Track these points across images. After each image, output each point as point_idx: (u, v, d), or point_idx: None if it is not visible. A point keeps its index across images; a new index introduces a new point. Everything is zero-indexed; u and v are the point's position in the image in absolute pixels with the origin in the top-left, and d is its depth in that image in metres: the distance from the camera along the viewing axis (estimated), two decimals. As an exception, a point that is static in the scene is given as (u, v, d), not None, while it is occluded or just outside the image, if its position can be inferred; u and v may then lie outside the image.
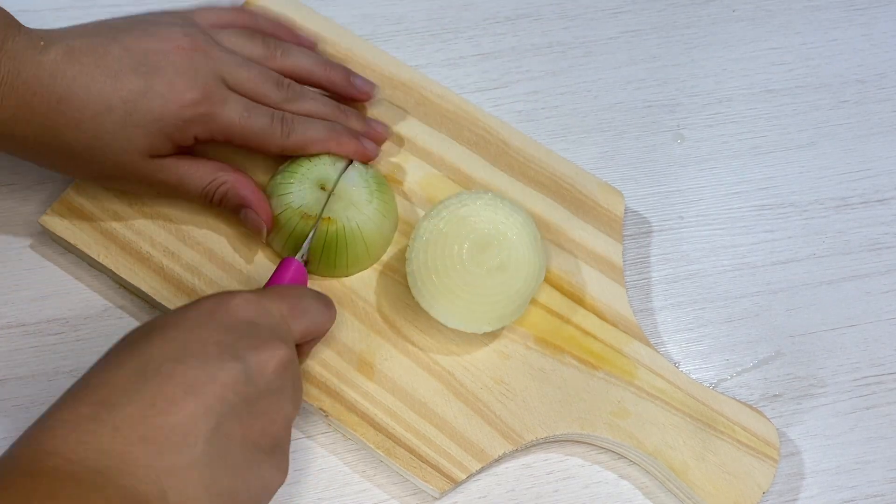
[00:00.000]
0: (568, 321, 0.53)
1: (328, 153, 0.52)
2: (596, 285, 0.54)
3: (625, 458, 0.52)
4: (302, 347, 0.46)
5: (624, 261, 0.56)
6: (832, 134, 0.64)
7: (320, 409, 0.49)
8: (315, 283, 0.52)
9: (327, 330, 0.47)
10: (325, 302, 0.46)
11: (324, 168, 0.52)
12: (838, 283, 0.58)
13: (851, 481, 0.53)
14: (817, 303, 0.58)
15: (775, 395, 0.55)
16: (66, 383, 0.50)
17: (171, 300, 0.51)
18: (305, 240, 0.51)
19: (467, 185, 0.56)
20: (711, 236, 0.59)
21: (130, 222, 0.53)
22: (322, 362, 0.50)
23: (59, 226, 0.52)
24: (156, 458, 0.36)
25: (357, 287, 0.53)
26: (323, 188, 0.52)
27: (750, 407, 0.52)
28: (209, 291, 0.51)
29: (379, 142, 0.56)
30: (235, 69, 0.50)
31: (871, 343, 0.57)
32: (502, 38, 0.65)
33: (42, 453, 0.35)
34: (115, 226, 0.53)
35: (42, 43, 0.46)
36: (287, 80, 0.53)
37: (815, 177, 0.62)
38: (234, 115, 0.49)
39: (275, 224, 0.52)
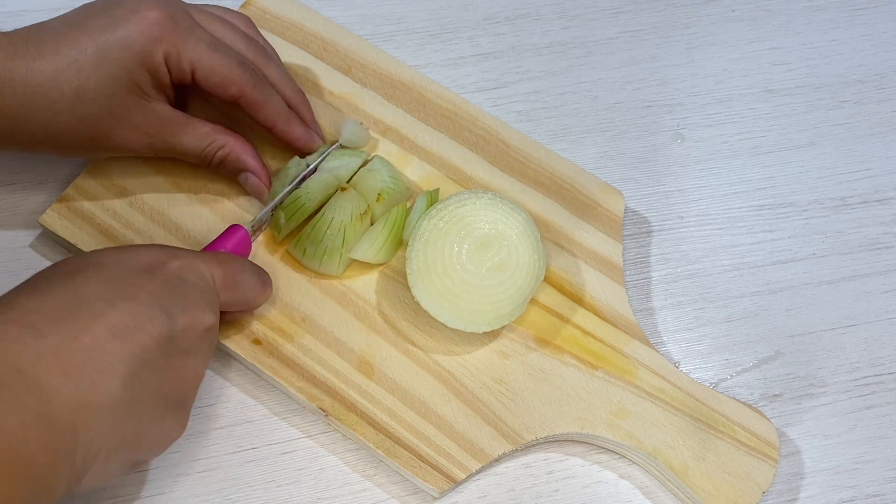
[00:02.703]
0: (568, 321, 0.53)
1: (274, 132, 0.53)
2: (596, 285, 0.54)
3: (624, 457, 0.52)
4: (225, 315, 0.48)
5: (624, 261, 0.56)
6: (832, 134, 0.64)
7: (320, 408, 0.49)
8: (314, 283, 0.52)
9: (259, 305, 0.49)
10: (262, 279, 0.48)
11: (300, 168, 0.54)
12: (838, 282, 0.58)
13: (851, 481, 0.53)
14: (817, 303, 0.58)
15: (775, 395, 0.55)
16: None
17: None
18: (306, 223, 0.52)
19: (467, 185, 0.56)
20: (711, 236, 0.59)
21: (130, 222, 0.53)
22: (322, 362, 0.50)
23: (59, 225, 0.52)
24: (73, 392, 0.36)
25: (357, 287, 0.53)
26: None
27: (750, 407, 0.52)
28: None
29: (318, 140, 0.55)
30: (208, 17, 0.51)
31: (870, 343, 0.57)
32: (502, 38, 0.65)
33: None
34: (115, 225, 0.53)
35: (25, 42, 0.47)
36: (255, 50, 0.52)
37: (815, 177, 0.62)
38: (202, 43, 0.49)
39: (298, 231, 0.53)
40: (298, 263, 0.53)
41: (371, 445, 0.49)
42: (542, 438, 0.50)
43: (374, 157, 0.55)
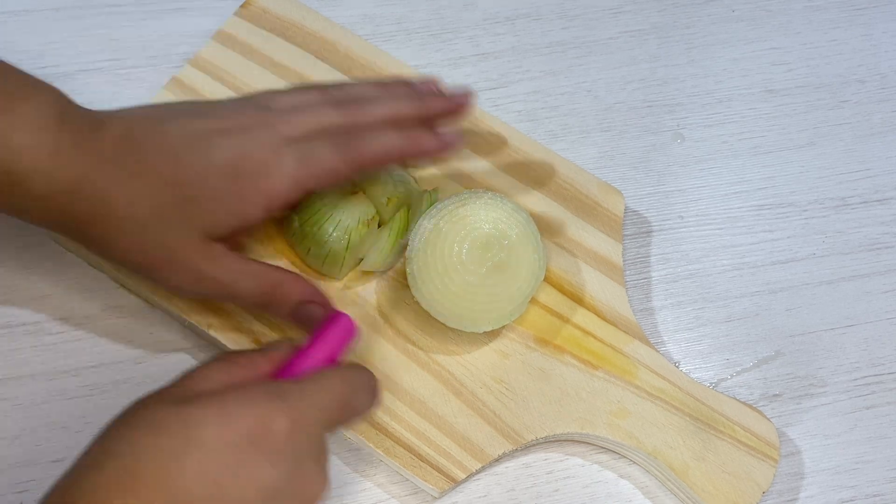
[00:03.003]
0: (568, 321, 0.53)
1: (406, 161, 0.52)
2: (596, 285, 0.54)
3: (625, 457, 0.52)
4: None
5: (624, 261, 0.56)
6: (832, 134, 0.64)
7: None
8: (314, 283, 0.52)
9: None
10: (376, 392, 0.43)
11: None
12: (838, 282, 0.58)
13: (851, 481, 0.53)
14: (817, 303, 0.58)
15: (775, 395, 0.55)
16: (66, 383, 0.51)
17: (171, 300, 0.51)
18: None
19: (467, 184, 0.56)
20: (711, 236, 0.59)
21: (130, 222, 0.53)
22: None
23: (59, 225, 0.52)
24: None
25: (357, 287, 0.53)
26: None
27: (750, 407, 0.52)
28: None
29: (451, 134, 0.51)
30: (292, 116, 0.47)
31: (870, 343, 0.57)
32: (502, 38, 0.65)
33: None
34: (115, 225, 0.53)
35: (101, 119, 0.45)
36: (346, 93, 0.49)
37: (815, 177, 0.62)
38: (294, 167, 0.46)
39: (320, 251, 0.51)
40: (299, 260, 0.53)
41: (371, 445, 0.49)
42: (542, 438, 0.50)
43: None
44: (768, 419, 0.51)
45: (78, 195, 0.43)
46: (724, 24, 0.67)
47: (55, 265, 0.54)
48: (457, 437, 0.49)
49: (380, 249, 0.52)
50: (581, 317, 0.53)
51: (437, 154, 0.50)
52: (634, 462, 0.52)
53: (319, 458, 0.39)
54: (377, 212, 0.52)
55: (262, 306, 0.48)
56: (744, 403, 0.52)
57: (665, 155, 0.62)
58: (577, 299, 0.54)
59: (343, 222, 0.51)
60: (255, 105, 0.48)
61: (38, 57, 0.59)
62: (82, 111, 0.45)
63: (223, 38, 0.60)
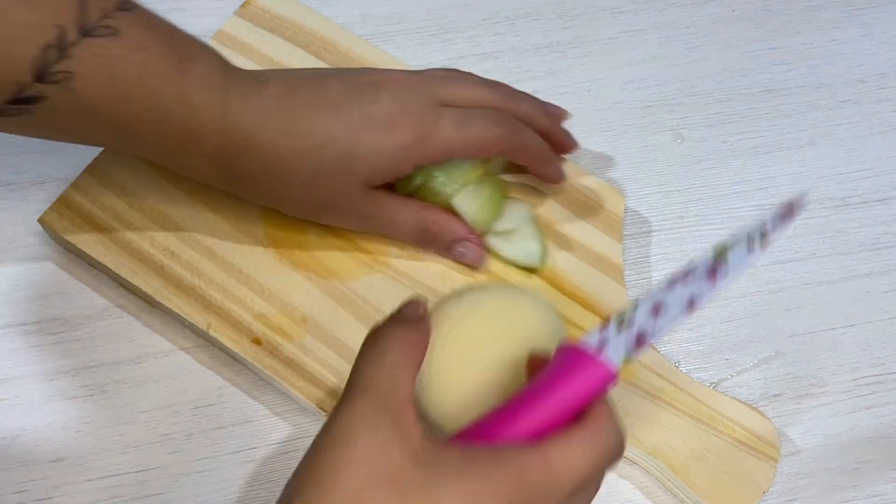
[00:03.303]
0: (568, 321, 0.53)
1: (531, 171, 0.54)
2: (596, 285, 0.54)
3: (624, 457, 0.52)
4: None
5: (624, 261, 0.56)
6: (832, 134, 0.64)
7: (320, 408, 0.49)
8: (315, 283, 0.52)
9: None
10: (622, 449, 0.37)
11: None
12: (838, 282, 0.58)
13: (851, 481, 0.53)
14: (817, 303, 0.58)
15: (775, 395, 0.55)
16: (66, 383, 0.51)
17: (171, 300, 0.51)
18: None
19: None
20: (711, 236, 0.59)
21: (130, 222, 0.53)
22: (322, 362, 0.50)
23: (59, 225, 0.52)
24: None
25: (361, 290, 0.53)
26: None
27: (750, 406, 0.52)
28: (210, 291, 0.51)
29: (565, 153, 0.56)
30: (448, 83, 0.50)
31: (870, 343, 0.57)
32: (502, 38, 0.65)
33: None
34: (115, 225, 0.53)
35: (263, 78, 0.47)
36: (493, 81, 0.53)
37: (815, 177, 0.62)
38: (452, 128, 0.49)
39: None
40: (299, 262, 0.53)
41: (371, 445, 0.49)
42: (542, 438, 0.50)
43: None
44: (768, 419, 0.51)
45: (248, 154, 0.46)
46: (724, 24, 0.67)
47: (55, 265, 0.54)
48: (457, 438, 0.49)
49: (479, 194, 0.52)
50: (581, 317, 0.53)
51: (550, 179, 0.54)
52: (634, 462, 0.52)
53: None
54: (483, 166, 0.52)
55: (420, 241, 0.52)
56: (744, 403, 0.52)
57: (665, 155, 0.62)
58: (578, 299, 0.54)
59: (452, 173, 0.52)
60: (407, 70, 0.51)
61: (37, 57, 0.59)
62: (242, 70, 0.47)
63: (223, 38, 0.60)
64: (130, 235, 0.53)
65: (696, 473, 0.50)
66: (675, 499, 0.51)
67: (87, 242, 0.52)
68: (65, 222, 0.52)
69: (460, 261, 0.53)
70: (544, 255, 0.54)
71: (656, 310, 0.37)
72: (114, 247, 0.52)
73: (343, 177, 0.47)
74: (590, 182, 0.58)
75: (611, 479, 0.51)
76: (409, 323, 0.39)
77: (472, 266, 0.53)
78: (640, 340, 0.36)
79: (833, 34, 0.68)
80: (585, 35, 0.66)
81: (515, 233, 0.54)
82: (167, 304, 0.51)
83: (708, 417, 0.51)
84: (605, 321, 0.38)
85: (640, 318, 0.37)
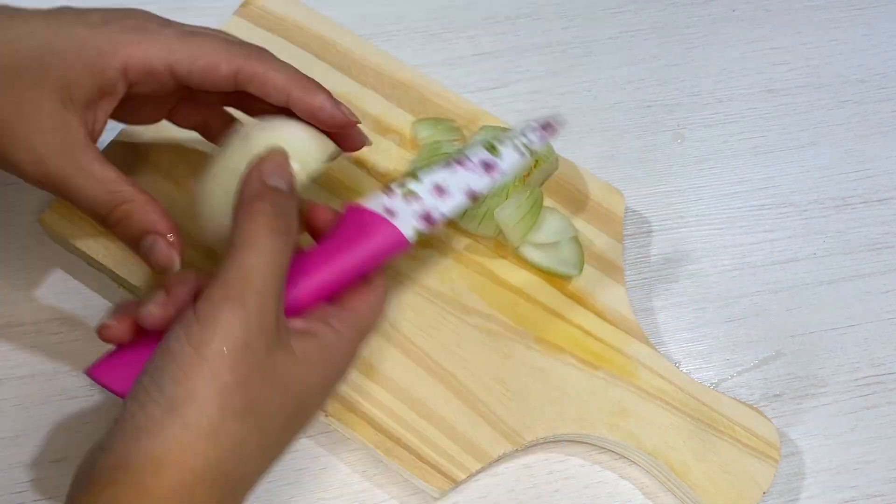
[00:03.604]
0: (568, 321, 0.53)
1: (290, 103, 0.44)
2: (596, 285, 0.54)
3: (625, 458, 0.52)
4: None
5: (624, 261, 0.56)
6: (832, 134, 0.64)
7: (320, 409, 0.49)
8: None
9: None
10: (383, 310, 0.42)
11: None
12: (838, 282, 0.58)
13: (852, 481, 0.53)
14: (817, 303, 0.58)
15: (775, 395, 0.55)
16: (66, 383, 0.51)
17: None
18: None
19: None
20: (711, 236, 0.59)
21: (130, 222, 0.53)
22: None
23: (59, 225, 0.52)
24: None
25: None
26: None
27: (750, 407, 0.52)
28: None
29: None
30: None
31: (870, 343, 0.57)
32: (502, 38, 0.65)
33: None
34: (115, 225, 0.53)
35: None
36: None
37: (815, 177, 0.62)
38: (173, 36, 0.42)
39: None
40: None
41: (371, 445, 0.49)
42: (542, 439, 0.50)
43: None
44: (769, 419, 0.51)
45: None
46: (724, 24, 0.67)
47: (55, 266, 0.54)
48: (457, 438, 0.49)
49: (519, 205, 0.52)
50: (581, 317, 0.53)
51: (320, 116, 0.43)
52: (635, 462, 0.52)
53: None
54: (531, 169, 0.53)
55: (101, 220, 0.42)
56: (744, 403, 0.52)
57: (665, 155, 0.62)
58: (577, 299, 0.54)
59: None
60: None
61: (37, 57, 0.59)
62: None
63: (223, 38, 0.60)
64: (130, 235, 0.53)
65: (696, 473, 0.50)
66: (675, 499, 0.51)
67: (87, 242, 0.52)
68: (65, 222, 0.52)
69: (146, 258, 0.42)
70: (582, 262, 0.54)
71: (439, 191, 0.41)
72: (113, 247, 0.52)
73: (32, 78, 0.39)
74: (590, 182, 0.58)
75: (611, 480, 0.51)
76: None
77: (158, 268, 0.42)
78: (428, 219, 0.41)
79: (833, 34, 0.68)
80: (585, 35, 0.66)
81: (554, 243, 0.53)
82: (167, 305, 0.51)
83: (708, 418, 0.51)
84: (388, 188, 0.41)
85: (425, 195, 0.41)
